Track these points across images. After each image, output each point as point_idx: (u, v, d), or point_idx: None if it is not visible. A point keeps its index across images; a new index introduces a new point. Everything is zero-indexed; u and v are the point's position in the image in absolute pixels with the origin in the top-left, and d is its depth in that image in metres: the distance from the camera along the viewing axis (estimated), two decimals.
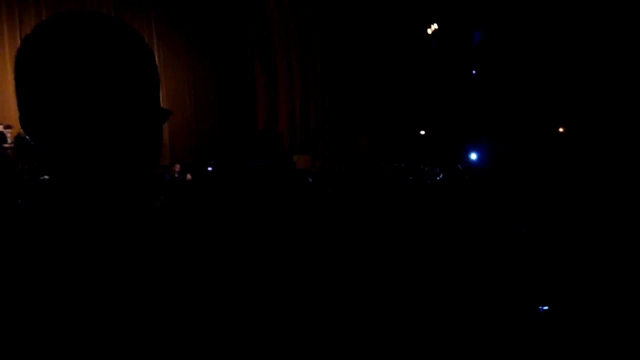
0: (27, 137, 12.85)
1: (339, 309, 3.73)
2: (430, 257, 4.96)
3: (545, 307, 3.77)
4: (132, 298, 0.77)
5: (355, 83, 16.05)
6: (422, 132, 16.67)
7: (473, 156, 14.72)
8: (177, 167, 13.37)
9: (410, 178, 12.34)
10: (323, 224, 6.71)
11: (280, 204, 8.38)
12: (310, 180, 12.15)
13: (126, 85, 0.78)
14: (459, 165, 13.31)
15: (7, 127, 13.56)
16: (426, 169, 12.94)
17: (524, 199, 7.39)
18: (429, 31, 15.90)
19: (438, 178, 12.12)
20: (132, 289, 0.78)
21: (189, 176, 13.34)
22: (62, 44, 0.76)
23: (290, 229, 6.39)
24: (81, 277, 0.75)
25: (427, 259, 4.92)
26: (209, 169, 13.52)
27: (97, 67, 0.76)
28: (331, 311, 3.67)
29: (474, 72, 15.24)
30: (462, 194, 9.28)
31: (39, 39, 0.78)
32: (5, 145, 13.23)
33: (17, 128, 12.99)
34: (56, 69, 0.76)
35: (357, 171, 14.42)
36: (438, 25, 15.43)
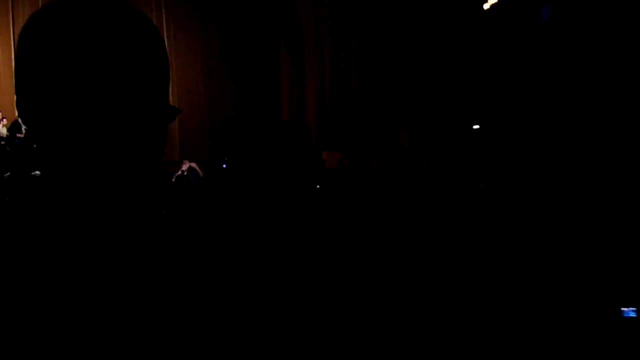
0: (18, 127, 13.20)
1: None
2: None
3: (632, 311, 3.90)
4: (126, 302, 0.77)
5: (396, 66, 15.14)
6: (476, 127, 15.36)
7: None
8: (187, 165, 12.86)
9: (482, 186, 10.64)
10: (351, 240, 6.20)
11: (304, 209, 7.86)
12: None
13: (131, 76, 0.78)
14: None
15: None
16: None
17: None
18: (486, 6, 14.60)
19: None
20: (127, 293, 0.77)
21: (200, 173, 12.69)
22: (64, 28, 0.77)
23: (312, 240, 6.02)
24: (71, 280, 0.75)
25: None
26: (223, 166, 12.86)
27: (100, 55, 0.76)
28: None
29: (541, 53, 13.48)
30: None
31: (41, 22, 0.79)
32: (20, 136, 13.48)
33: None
34: (57, 54, 0.76)
35: (397, 173, 13.40)
36: None
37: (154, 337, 0.77)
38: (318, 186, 10.87)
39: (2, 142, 13.34)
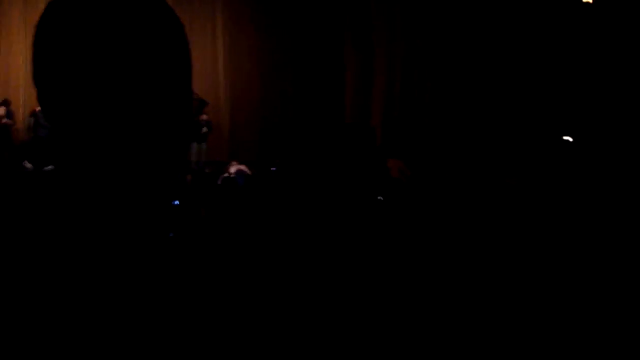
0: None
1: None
2: None
3: None
4: (134, 303, 0.79)
5: (478, 66, 14.60)
6: (568, 138, 14.59)
7: None
8: (235, 166, 12.39)
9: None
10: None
11: (363, 224, 7.55)
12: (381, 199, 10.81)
13: (151, 65, 0.80)
14: None
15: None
16: None
17: None
18: None
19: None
20: (134, 293, 0.79)
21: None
22: (81, 16, 0.79)
23: (367, 258, 5.80)
24: (79, 279, 0.77)
25: None
26: (272, 169, 12.23)
27: (118, 44, 0.78)
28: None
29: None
30: None
31: (58, 10, 0.80)
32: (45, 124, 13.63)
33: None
34: (75, 43, 0.78)
35: (473, 187, 12.40)
36: None
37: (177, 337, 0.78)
38: (380, 198, 10.16)
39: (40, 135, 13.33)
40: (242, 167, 12.45)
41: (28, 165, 12.48)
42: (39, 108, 11.18)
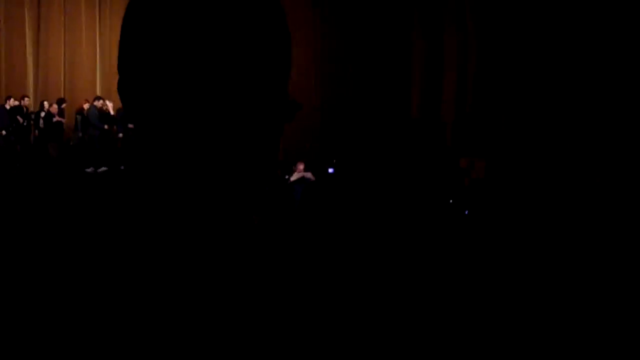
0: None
1: None
2: None
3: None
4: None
5: (560, 57, 13.85)
6: None
7: None
8: (302, 166, 12.18)
9: None
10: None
11: (431, 230, 7.52)
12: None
13: (248, 59, 0.76)
14: None
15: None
16: None
17: None
18: None
19: None
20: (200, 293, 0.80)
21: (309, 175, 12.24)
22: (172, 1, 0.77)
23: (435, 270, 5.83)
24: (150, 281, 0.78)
25: None
26: (330, 170, 12.04)
27: (213, 32, 0.75)
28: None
29: None
30: None
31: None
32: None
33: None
34: (164, 28, 0.75)
35: (560, 188, 11.99)
36: None
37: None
38: (452, 201, 9.94)
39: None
40: (307, 174, 12.26)
41: (103, 169, 12.95)
42: (86, 105, 10.63)
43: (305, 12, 16.45)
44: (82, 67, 15.15)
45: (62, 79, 14.74)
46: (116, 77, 0.80)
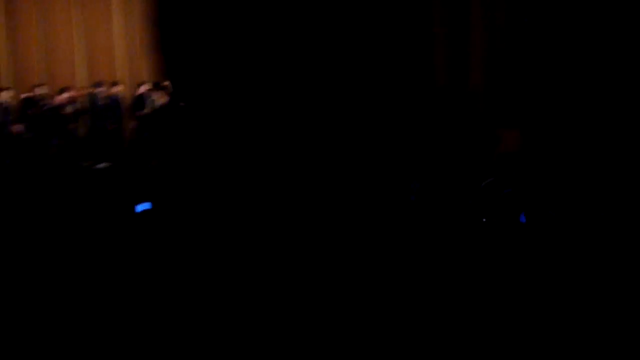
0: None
1: None
2: None
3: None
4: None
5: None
6: None
7: None
8: None
9: None
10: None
11: (463, 216, 7.07)
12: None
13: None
14: None
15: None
16: None
17: None
18: None
19: None
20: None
21: None
22: None
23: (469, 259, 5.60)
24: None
25: None
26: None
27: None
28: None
29: None
30: None
31: None
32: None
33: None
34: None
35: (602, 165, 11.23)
36: None
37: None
38: (489, 180, 8.96)
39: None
40: None
41: (102, 164, 12.72)
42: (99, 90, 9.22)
43: None
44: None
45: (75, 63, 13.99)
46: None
